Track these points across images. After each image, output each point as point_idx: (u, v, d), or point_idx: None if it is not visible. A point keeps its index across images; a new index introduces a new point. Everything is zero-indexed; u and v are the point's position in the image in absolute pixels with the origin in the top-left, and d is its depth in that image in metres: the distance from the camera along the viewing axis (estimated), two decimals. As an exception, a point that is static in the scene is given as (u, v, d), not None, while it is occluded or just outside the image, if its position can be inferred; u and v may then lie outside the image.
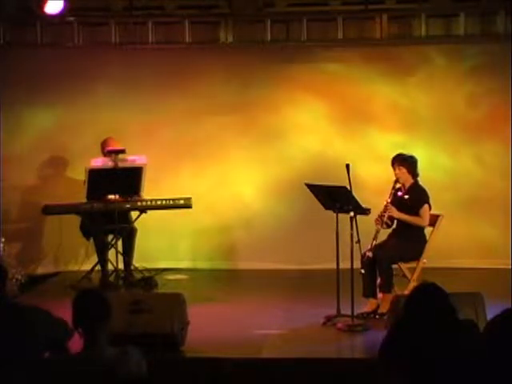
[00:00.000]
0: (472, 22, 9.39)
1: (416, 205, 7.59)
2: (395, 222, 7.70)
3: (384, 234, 7.69)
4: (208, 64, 9.54)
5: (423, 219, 7.58)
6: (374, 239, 7.40)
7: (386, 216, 7.54)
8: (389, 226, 7.70)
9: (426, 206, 7.60)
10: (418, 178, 7.69)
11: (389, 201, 7.57)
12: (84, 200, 8.43)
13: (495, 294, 7.05)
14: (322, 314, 7.25)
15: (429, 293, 4.37)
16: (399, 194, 7.67)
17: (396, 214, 7.57)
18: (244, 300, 8.14)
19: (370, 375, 5.14)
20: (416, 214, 7.58)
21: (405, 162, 7.65)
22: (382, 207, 7.56)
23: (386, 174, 7.99)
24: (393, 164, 7.67)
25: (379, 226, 7.50)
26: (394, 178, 7.65)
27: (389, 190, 7.63)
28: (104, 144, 8.74)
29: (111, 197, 8.41)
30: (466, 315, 5.61)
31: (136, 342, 4.39)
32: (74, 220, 8.79)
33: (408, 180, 7.66)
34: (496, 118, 9.35)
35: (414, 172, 7.66)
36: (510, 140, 9.18)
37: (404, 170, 7.63)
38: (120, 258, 8.41)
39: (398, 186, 7.67)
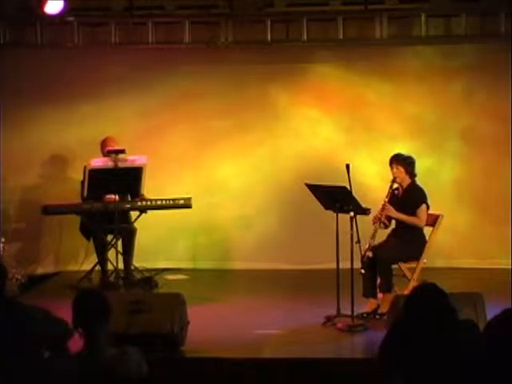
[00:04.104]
0: (472, 22, 9.37)
1: (413, 205, 7.58)
2: (393, 221, 7.70)
3: (383, 234, 7.68)
4: (208, 64, 9.54)
5: (420, 219, 7.56)
6: (371, 238, 7.38)
7: (384, 215, 7.54)
8: (386, 226, 7.69)
9: (424, 206, 7.58)
10: (416, 179, 7.68)
11: (386, 200, 7.56)
12: (80, 199, 8.43)
13: (495, 294, 7.06)
14: (322, 314, 7.25)
15: (429, 293, 4.37)
16: (396, 193, 7.67)
17: (393, 213, 7.56)
18: (244, 300, 8.15)
19: (370, 375, 5.15)
20: (413, 213, 7.57)
21: (403, 161, 7.63)
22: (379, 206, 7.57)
23: (385, 176, 7.99)
24: (391, 163, 7.65)
25: (377, 225, 7.50)
26: (392, 178, 7.65)
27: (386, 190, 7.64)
28: (103, 143, 8.74)
29: (111, 197, 8.41)
30: (466, 315, 5.62)
31: (136, 342, 4.39)
32: (74, 220, 8.79)
33: (405, 180, 7.64)
34: (496, 118, 9.34)
35: (411, 172, 7.65)
36: (511, 140, 9.18)
37: (402, 170, 7.61)
38: (120, 257, 8.40)
39: (395, 185, 7.66)
